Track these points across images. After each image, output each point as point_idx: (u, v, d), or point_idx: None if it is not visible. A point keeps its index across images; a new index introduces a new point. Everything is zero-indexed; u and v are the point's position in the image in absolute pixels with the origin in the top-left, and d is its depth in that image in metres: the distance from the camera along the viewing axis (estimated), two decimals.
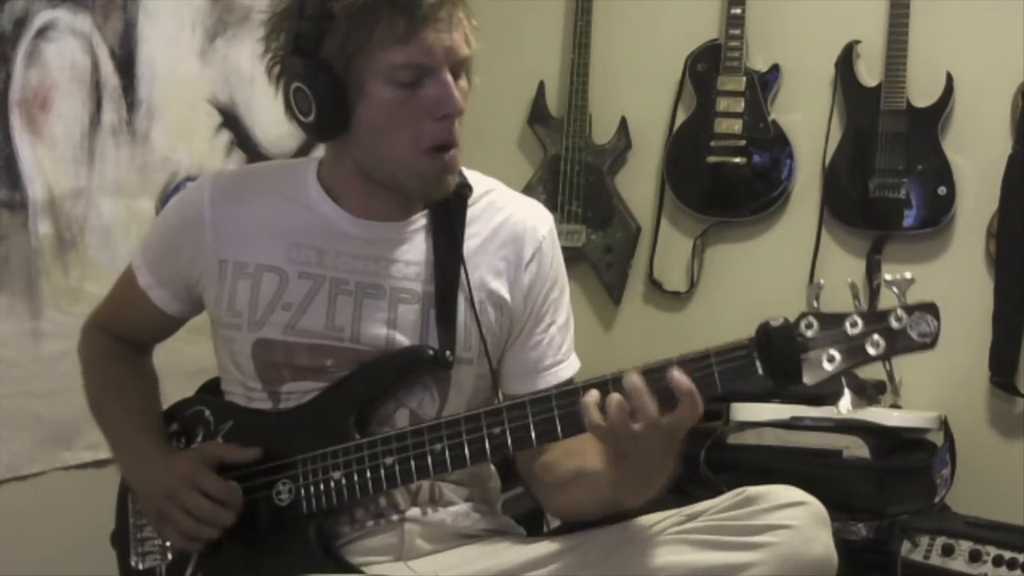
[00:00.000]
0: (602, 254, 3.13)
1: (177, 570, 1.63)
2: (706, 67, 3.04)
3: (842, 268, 2.93)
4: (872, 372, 1.38)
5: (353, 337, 1.57)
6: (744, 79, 2.99)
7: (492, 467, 1.71)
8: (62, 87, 2.34)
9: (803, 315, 1.35)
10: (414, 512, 1.58)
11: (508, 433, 1.45)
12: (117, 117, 2.45)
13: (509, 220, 1.65)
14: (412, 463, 1.49)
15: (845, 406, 1.37)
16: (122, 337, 1.77)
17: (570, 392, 1.43)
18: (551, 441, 1.45)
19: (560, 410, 1.42)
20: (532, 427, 1.44)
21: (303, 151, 2.77)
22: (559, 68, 3.23)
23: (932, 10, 2.84)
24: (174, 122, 2.57)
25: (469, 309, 1.59)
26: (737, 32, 2.98)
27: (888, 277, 1.33)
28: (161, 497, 1.56)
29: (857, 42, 2.93)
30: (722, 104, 3.01)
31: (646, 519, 1.50)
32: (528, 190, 3.12)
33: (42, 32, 2.30)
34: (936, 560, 2.42)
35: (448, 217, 1.61)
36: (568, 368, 1.66)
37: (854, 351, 1.33)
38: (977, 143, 2.83)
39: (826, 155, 2.96)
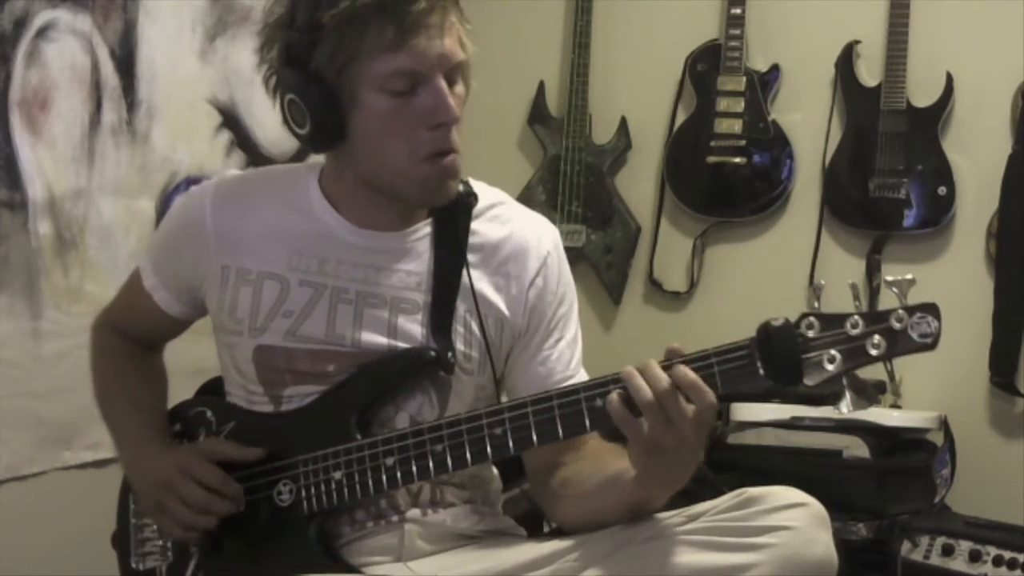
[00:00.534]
0: (602, 254, 3.13)
1: (178, 571, 1.63)
2: (706, 67, 3.05)
3: (842, 268, 2.94)
4: (872, 372, 1.38)
5: (354, 344, 1.56)
6: (744, 79, 2.99)
7: (493, 468, 1.71)
8: (62, 87, 2.34)
9: (804, 315, 1.35)
10: (414, 513, 1.58)
11: (509, 433, 1.44)
12: (117, 117, 2.45)
13: (514, 235, 1.64)
14: (413, 464, 1.49)
15: (846, 407, 1.37)
16: (131, 335, 1.78)
17: (571, 392, 1.42)
18: (552, 441, 1.44)
19: (561, 410, 1.42)
20: (533, 427, 1.43)
21: (303, 152, 2.77)
22: (559, 68, 3.23)
23: (932, 10, 2.84)
24: (174, 122, 2.57)
25: (471, 320, 1.59)
26: (737, 32, 2.99)
27: (889, 278, 1.33)
28: (158, 487, 1.56)
29: (857, 42, 2.93)
30: (722, 104, 3.01)
31: (647, 519, 1.50)
32: (528, 190, 3.13)
33: (42, 32, 2.30)
34: (936, 560, 2.42)
35: (452, 227, 1.60)
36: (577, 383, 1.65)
37: (855, 352, 1.33)
38: (977, 143, 2.84)
39: (826, 155, 2.96)
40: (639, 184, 3.18)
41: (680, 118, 3.12)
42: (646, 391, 1.34)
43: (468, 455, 1.47)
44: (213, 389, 1.71)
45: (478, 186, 1.64)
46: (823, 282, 1.40)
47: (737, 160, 3.00)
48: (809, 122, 2.99)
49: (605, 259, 3.13)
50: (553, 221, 2.10)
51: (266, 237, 1.60)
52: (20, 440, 2.30)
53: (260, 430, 1.60)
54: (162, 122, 2.55)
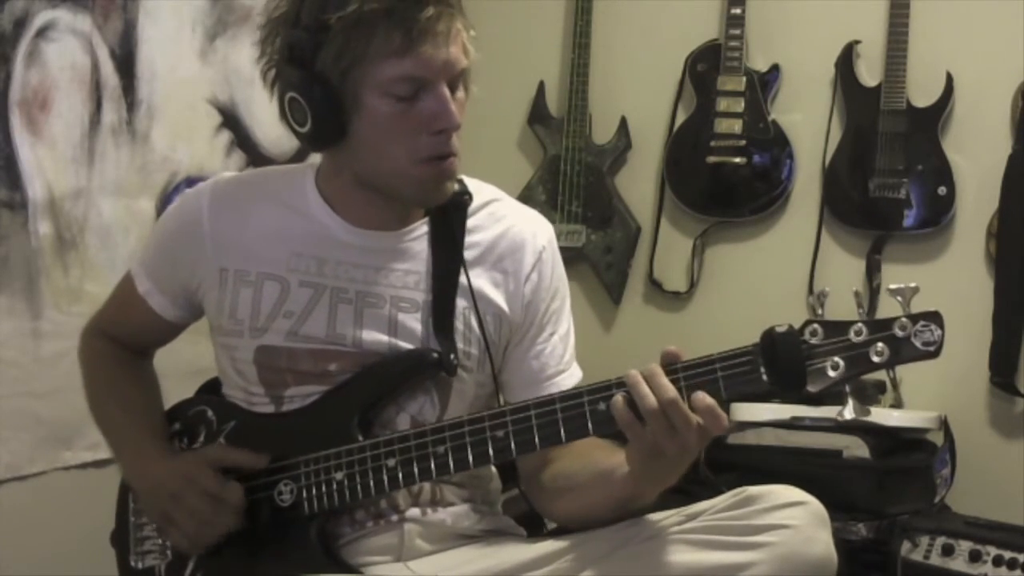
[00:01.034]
0: (602, 254, 3.13)
1: (177, 570, 1.63)
2: (706, 67, 3.05)
3: (842, 268, 2.94)
4: (872, 373, 1.38)
5: (355, 344, 1.57)
6: (744, 79, 2.99)
7: (493, 468, 1.71)
8: (62, 87, 2.34)
9: (808, 322, 1.36)
10: (414, 512, 1.58)
11: (511, 436, 1.44)
12: (117, 117, 2.45)
13: (510, 231, 1.65)
14: (415, 465, 1.49)
15: (848, 414, 1.38)
16: (122, 341, 1.77)
17: (574, 395, 1.43)
18: (554, 444, 1.45)
19: (564, 413, 1.42)
20: (535, 430, 1.44)
21: (303, 152, 2.77)
22: (559, 68, 3.23)
23: (932, 10, 2.84)
24: (174, 122, 2.57)
25: (470, 317, 1.59)
26: (737, 32, 2.98)
27: (892, 286, 1.34)
28: (165, 499, 1.56)
29: (857, 42, 2.93)
30: (722, 104, 3.01)
31: (646, 518, 1.50)
32: (528, 190, 3.13)
33: (42, 32, 2.30)
34: (936, 560, 2.42)
35: (448, 226, 1.60)
36: (570, 377, 1.65)
37: (858, 359, 1.34)
38: (977, 143, 2.84)
39: (826, 155, 2.96)
40: (639, 184, 3.18)
41: (680, 118, 3.12)
42: (651, 399, 1.35)
43: (470, 457, 1.47)
44: (213, 388, 1.71)
45: (472, 184, 1.64)
46: (827, 289, 1.41)
47: (737, 160, 3.00)
48: (809, 122, 2.99)
49: (605, 259, 3.13)
50: (553, 221, 2.11)
51: (264, 238, 1.60)
52: (20, 440, 2.30)
53: (261, 430, 1.60)
54: (162, 122, 2.55)
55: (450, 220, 1.61)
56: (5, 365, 2.26)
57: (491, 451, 1.46)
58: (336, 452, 1.52)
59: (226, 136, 2.70)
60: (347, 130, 1.50)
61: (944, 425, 2.70)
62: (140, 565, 1.68)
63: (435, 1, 1.45)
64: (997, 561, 2.39)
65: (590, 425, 1.41)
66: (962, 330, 2.67)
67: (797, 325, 1.36)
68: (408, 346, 1.57)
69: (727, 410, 2.59)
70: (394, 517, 1.57)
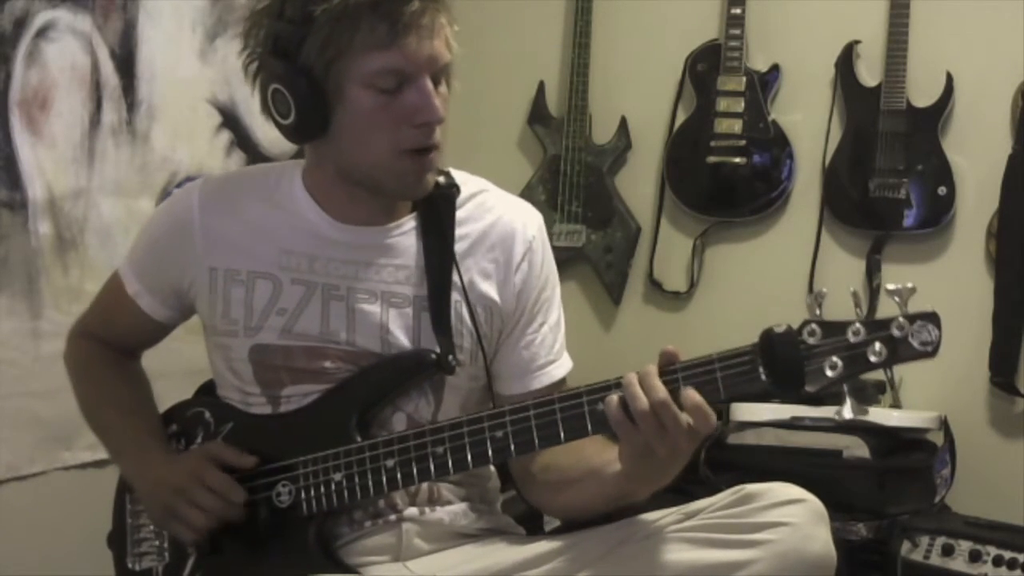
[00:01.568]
0: (602, 254, 3.13)
1: (174, 571, 1.63)
2: (706, 67, 3.05)
3: (842, 268, 2.94)
4: (872, 373, 1.38)
5: (349, 341, 1.57)
6: (744, 79, 2.99)
7: (492, 467, 1.71)
8: (62, 87, 2.34)
9: (806, 322, 1.36)
10: (412, 512, 1.58)
11: (510, 436, 1.44)
12: (117, 117, 2.46)
13: (499, 221, 1.65)
14: (413, 465, 1.49)
15: (847, 413, 1.38)
16: (110, 343, 1.77)
17: (573, 395, 1.43)
18: (553, 444, 1.45)
19: (563, 413, 1.42)
20: (535, 430, 1.44)
21: (303, 152, 2.77)
22: (559, 68, 3.23)
23: (932, 10, 2.84)
24: (174, 122, 2.57)
25: (462, 310, 1.59)
26: (737, 32, 2.98)
27: (890, 286, 1.34)
28: (169, 494, 1.56)
29: (857, 42, 2.93)
30: (722, 104, 3.01)
31: (644, 517, 1.51)
32: (528, 190, 3.12)
33: (42, 32, 2.30)
34: (936, 560, 2.42)
35: (437, 219, 1.60)
36: (560, 367, 1.66)
37: (856, 359, 1.34)
38: (977, 143, 2.83)
39: (826, 155, 2.96)
40: (639, 184, 3.18)
41: (680, 118, 3.11)
42: (642, 400, 1.35)
43: (469, 457, 1.47)
44: (212, 390, 1.71)
45: (459, 176, 1.64)
46: (825, 289, 1.41)
47: (737, 160, 3.00)
48: (809, 122, 2.99)
49: (605, 259, 3.13)
50: (553, 221, 2.12)
51: (254, 237, 1.60)
52: (20, 440, 2.30)
53: (259, 431, 1.60)
54: (162, 122, 2.55)
55: (439, 213, 1.60)
56: (5, 365, 2.26)
57: (490, 451, 1.46)
58: (334, 453, 1.52)
59: (226, 136, 2.70)
60: (330, 122, 1.51)
61: (944, 425, 2.69)
62: (137, 567, 1.68)
63: None
64: (997, 561, 2.39)
65: (589, 425, 1.41)
66: (962, 330, 2.70)
67: (797, 325, 1.36)
68: (401, 342, 1.57)
69: (727, 410, 2.64)
70: (392, 517, 1.57)
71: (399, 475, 1.49)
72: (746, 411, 2.66)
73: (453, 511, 1.61)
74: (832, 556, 1.41)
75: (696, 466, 2.55)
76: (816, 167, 2.98)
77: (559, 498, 1.59)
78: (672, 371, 1.37)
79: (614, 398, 1.37)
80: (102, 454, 2.11)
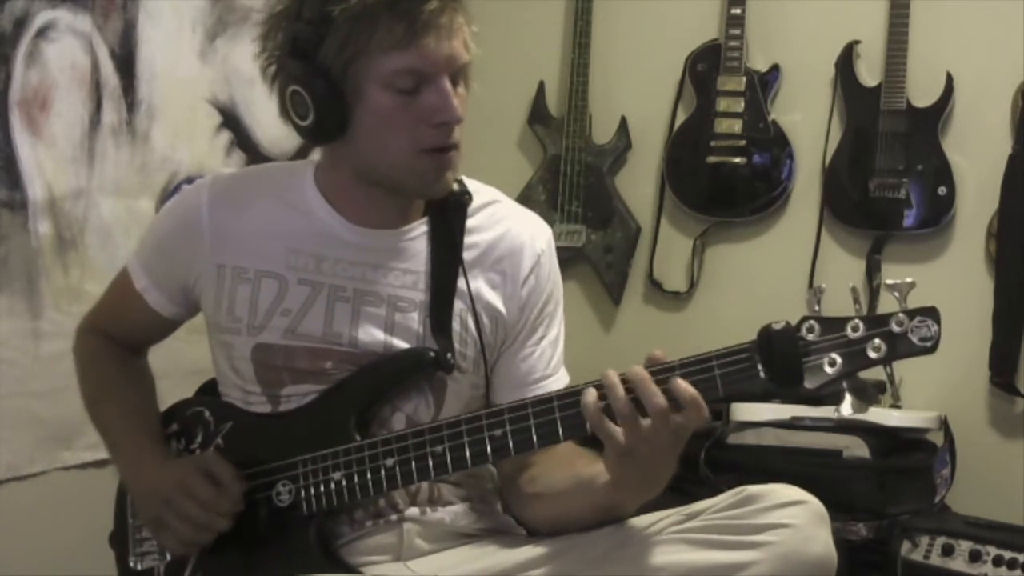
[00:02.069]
0: (602, 254, 3.13)
1: (176, 571, 1.63)
2: (706, 67, 3.05)
3: (842, 268, 2.94)
4: (872, 372, 1.38)
5: (351, 343, 1.57)
6: (744, 79, 2.99)
7: (491, 467, 1.71)
8: (62, 87, 2.34)
9: (805, 319, 1.36)
10: (413, 512, 1.58)
11: (510, 435, 1.45)
12: (117, 117, 2.46)
13: (509, 233, 1.65)
14: (413, 464, 1.49)
15: (846, 410, 1.38)
16: (117, 339, 1.77)
17: (572, 394, 1.42)
18: (553, 443, 1.45)
19: (562, 412, 1.42)
20: (534, 429, 1.44)
21: (303, 151, 2.77)
22: (559, 68, 3.23)
23: (932, 10, 2.84)
24: (174, 122, 2.57)
25: (467, 318, 1.59)
26: (737, 32, 2.98)
27: (889, 281, 1.34)
28: (157, 504, 1.55)
29: (857, 42, 2.93)
30: (722, 104, 3.01)
31: (645, 518, 1.50)
32: (528, 190, 3.13)
33: (42, 32, 2.30)
34: (936, 560, 2.42)
35: (448, 225, 1.61)
36: (557, 382, 1.65)
37: (855, 355, 1.34)
38: (977, 143, 2.83)
39: (826, 155, 2.96)
40: (639, 184, 3.18)
41: (680, 118, 3.12)
42: (623, 401, 1.34)
43: (468, 456, 1.47)
44: (213, 389, 1.71)
45: (473, 184, 1.65)
46: (824, 285, 1.41)
47: (737, 160, 3.00)
48: (809, 122, 2.99)
49: (605, 259, 3.13)
50: (553, 221, 2.12)
51: (263, 235, 1.60)
52: (20, 440, 2.30)
53: (258, 430, 1.60)
54: (162, 122, 2.55)
55: (450, 220, 1.61)
56: (5, 365, 2.26)
57: (489, 450, 1.46)
58: (334, 452, 1.52)
59: (226, 136, 2.70)
60: (349, 123, 1.51)
61: (944, 425, 2.69)
62: (139, 566, 1.68)
63: None
64: (997, 561, 2.39)
65: (588, 424, 1.41)
66: (962, 330, 2.69)
67: (795, 323, 1.36)
68: (404, 345, 1.57)
69: (727, 410, 2.64)
70: (393, 517, 1.57)
71: (398, 474, 1.49)
72: (746, 411, 2.66)
73: (454, 511, 1.61)
74: (833, 558, 1.41)
75: (696, 466, 2.55)
76: (816, 167, 2.98)
77: (544, 508, 1.58)
78: (669, 368, 1.37)
79: (590, 398, 1.37)
80: (102, 454, 2.10)
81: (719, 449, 2.61)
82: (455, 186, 1.60)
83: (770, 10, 3.02)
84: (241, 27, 2.68)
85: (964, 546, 2.42)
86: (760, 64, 3.03)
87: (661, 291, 3.15)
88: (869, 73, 2.92)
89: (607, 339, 3.19)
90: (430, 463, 1.48)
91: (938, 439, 2.70)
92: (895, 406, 2.71)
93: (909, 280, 1.35)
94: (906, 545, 2.45)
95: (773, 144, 3.00)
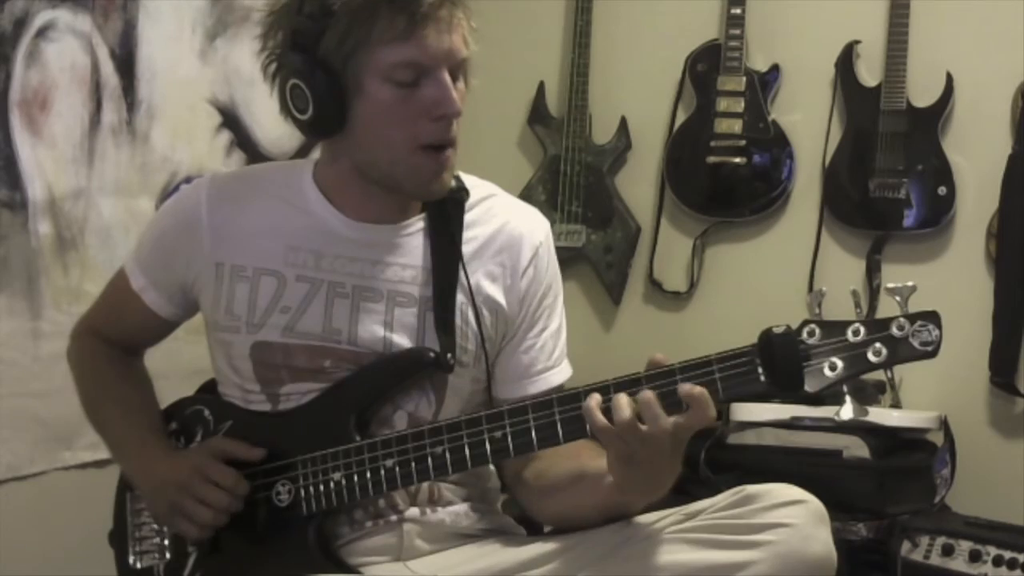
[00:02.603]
0: (602, 254, 3.13)
1: (175, 570, 1.63)
2: (706, 67, 3.05)
3: (842, 268, 2.94)
4: (872, 373, 1.38)
5: (350, 340, 1.57)
6: (744, 79, 2.99)
7: (492, 467, 1.71)
8: (62, 87, 2.34)
9: (805, 322, 1.36)
10: (413, 512, 1.58)
11: (509, 437, 1.45)
12: (117, 117, 2.45)
13: (507, 226, 1.65)
14: (412, 465, 1.49)
15: (846, 413, 1.38)
16: (114, 341, 1.77)
17: (572, 396, 1.43)
18: (552, 445, 1.45)
19: (562, 414, 1.42)
20: (534, 431, 1.44)
21: (303, 151, 2.77)
22: (559, 68, 3.23)
23: (932, 10, 2.84)
24: (174, 122, 2.57)
25: (467, 313, 1.59)
26: (737, 32, 2.98)
27: (890, 285, 1.34)
28: (173, 491, 1.55)
29: (857, 42, 2.93)
30: (722, 104, 3.01)
31: (645, 518, 1.50)
32: (528, 190, 3.13)
33: (42, 32, 2.30)
34: (936, 560, 2.42)
35: (445, 220, 1.61)
36: (559, 374, 1.66)
37: (856, 359, 1.34)
38: (977, 143, 2.83)
39: (826, 155, 2.96)
40: (639, 184, 3.18)
41: (680, 118, 3.11)
42: (624, 410, 1.35)
43: (468, 457, 1.47)
44: (212, 389, 1.71)
45: (469, 180, 1.65)
46: (824, 288, 1.41)
47: (737, 160, 2.99)
48: (809, 122, 2.99)
49: (605, 259, 3.13)
50: (553, 221, 2.12)
51: (261, 233, 1.60)
52: (20, 440, 2.30)
53: (258, 429, 1.60)
54: (162, 122, 2.55)
55: (448, 215, 1.61)
56: (5, 365, 2.26)
57: (489, 452, 1.46)
58: (334, 452, 1.52)
59: (226, 136, 2.70)
60: (348, 117, 1.51)
61: (944, 425, 2.69)
62: (139, 565, 1.68)
63: None
64: (997, 561, 2.39)
65: (588, 426, 1.41)
66: (962, 330, 2.69)
67: (796, 326, 1.36)
68: (404, 341, 1.57)
69: (727, 410, 2.64)
70: (393, 517, 1.57)
71: (398, 475, 1.49)
72: (746, 411, 2.66)
73: (454, 512, 1.61)
74: (833, 557, 1.41)
75: (696, 466, 2.55)
76: (816, 167, 2.98)
77: (552, 504, 1.58)
78: (670, 372, 1.37)
79: (592, 403, 1.37)
80: (102, 454, 2.11)
81: (719, 449, 2.61)
82: (452, 182, 1.61)
83: (770, 10, 3.02)
84: (241, 27, 2.68)
85: (964, 546, 2.42)
86: (760, 64, 3.03)
87: (661, 291, 3.15)
88: (869, 73, 2.92)
89: (607, 339, 3.19)
90: (430, 464, 1.48)
91: (938, 439, 2.70)
92: (895, 406, 2.71)
93: (910, 284, 1.35)
94: (906, 545, 2.45)
95: (773, 144, 3.00)
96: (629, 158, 3.18)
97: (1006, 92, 2.78)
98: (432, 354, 1.56)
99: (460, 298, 1.59)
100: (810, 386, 1.35)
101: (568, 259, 3.05)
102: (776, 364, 1.35)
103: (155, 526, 1.67)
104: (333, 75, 1.48)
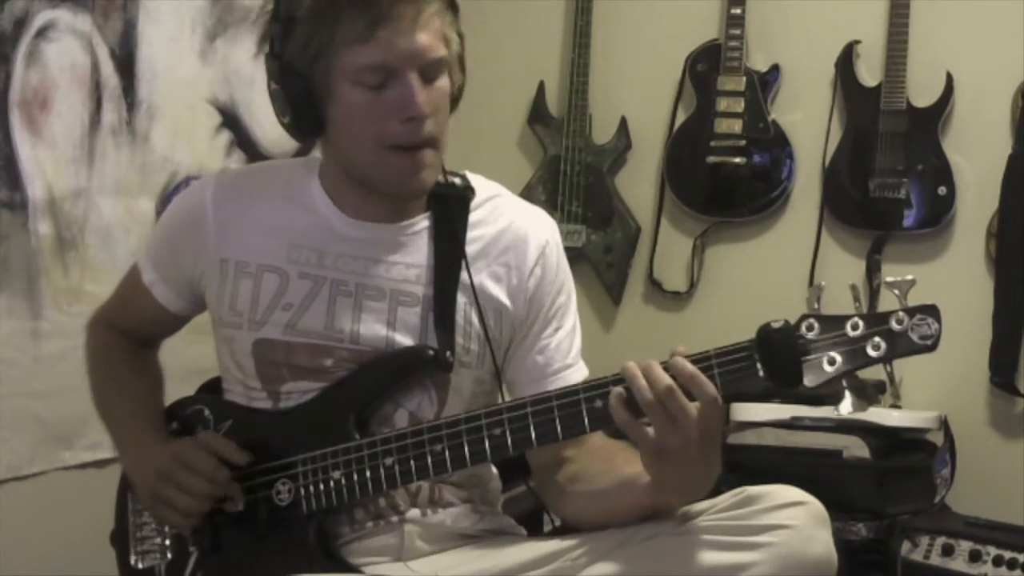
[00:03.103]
0: (602, 254, 3.13)
1: (176, 570, 1.63)
2: (706, 67, 3.05)
3: (842, 268, 2.94)
4: (872, 372, 1.38)
5: (353, 338, 1.57)
6: (744, 79, 2.99)
7: (492, 467, 1.71)
8: (62, 87, 2.34)
9: (804, 317, 1.36)
10: (414, 513, 1.58)
11: (508, 434, 1.44)
12: (117, 117, 2.45)
13: (512, 226, 1.65)
14: (412, 463, 1.49)
15: (846, 408, 1.38)
16: (127, 334, 1.78)
17: (570, 393, 1.43)
18: (551, 443, 1.45)
19: (560, 411, 1.42)
20: (532, 428, 1.43)
21: (303, 151, 2.76)
22: (559, 68, 3.23)
23: (932, 10, 2.84)
24: (174, 122, 2.57)
25: (470, 312, 1.59)
26: (737, 32, 2.99)
27: (889, 279, 1.34)
28: (154, 478, 1.55)
29: (857, 42, 2.93)
30: (722, 104, 3.01)
31: (646, 519, 1.50)
32: (528, 190, 3.13)
33: (42, 32, 2.30)
34: (936, 560, 2.42)
35: (450, 220, 1.60)
36: (576, 372, 1.64)
37: (855, 353, 1.34)
38: (977, 143, 2.84)
39: (826, 155, 2.96)
40: (639, 184, 3.18)
41: (680, 118, 3.12)
42: (647, 391, 1.34)
43: (467, 455, 1.47)
44: (214, 389, 1.71)
45: (475, 179, 1.65)
46: (823, 283, 1.40)
47: (737, 160, 3.00)
48: (809, 122, 2.99)
49: (605, 259, 3.13)
50: (557, 227, 2.10)
51: (265, 230, 1.60)
52: (20, 440, 2.30)
53: (258, 428, 1.60)
54: (162, 122, 2.54)
55: (452, 214, 1.61)
56: (5, 365, 2.26)
57: (488, 449, 1.46)
58: (334, 451, 1.52)
59: (226, 136, 2.70)
60: (325, 119, 1.52)
61: (944, 425, 2.70)
62: (140, 565, 1.68)
63: None
64: (997, 561, 2.39)
65: (587, 422, 1.41)
66: (962, 330, 2.69)
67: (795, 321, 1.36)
68: (406, 341, 1.57)
69: (727, 410, 2.64)
70: (394, 518, 1.57)
71: (398, 473, 1.49)
72: (746, 411, 2.67)
73: (455, 513, 1.61)
74: (833, 559, 1.41)
75: None
76: (816, 167, 2.98)
77: (590, 509, 1.55)
78: (668, 363, 1.37)
79: (615, 398, 1.37)
80: (102, 454, 2.11)
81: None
82: (458, 180, 1.61)
83: (770, 10, 3.02)
84: (241, 27, 2.67)
85: (964, 546, 2.42)
86: (760, 64, 3.03)
87: (661, 291, 3.15)
88: (869, 73, 2.92)
89: (607, 339, 3.19)
90: (429, 462, 1.48)
91: (938, 439, 2.70)
92: (895, 406, 2.72)
93: (909, 278, 1.34)
94: (906, 545, 2.45)
95: (773, 144, 3.00)
96: (629, 158, 3.18)
97: (1006, 92, 2.78)
98: (431, 352, 1.56)
99: (463, 298, 1.59)
100: (809, 380, 1.35)
101: (568, 259, 3.04)
102: (775, 359, 1.35)
103: (156, 526, 1.67)
104: (302, 79, 1.49)
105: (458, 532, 1.61)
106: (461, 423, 1.47)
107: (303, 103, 1.50)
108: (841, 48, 2.93)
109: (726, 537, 1.41)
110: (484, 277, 1.61)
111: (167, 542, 1.66)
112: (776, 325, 1.35)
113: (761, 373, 1.36)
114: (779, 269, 3.01)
